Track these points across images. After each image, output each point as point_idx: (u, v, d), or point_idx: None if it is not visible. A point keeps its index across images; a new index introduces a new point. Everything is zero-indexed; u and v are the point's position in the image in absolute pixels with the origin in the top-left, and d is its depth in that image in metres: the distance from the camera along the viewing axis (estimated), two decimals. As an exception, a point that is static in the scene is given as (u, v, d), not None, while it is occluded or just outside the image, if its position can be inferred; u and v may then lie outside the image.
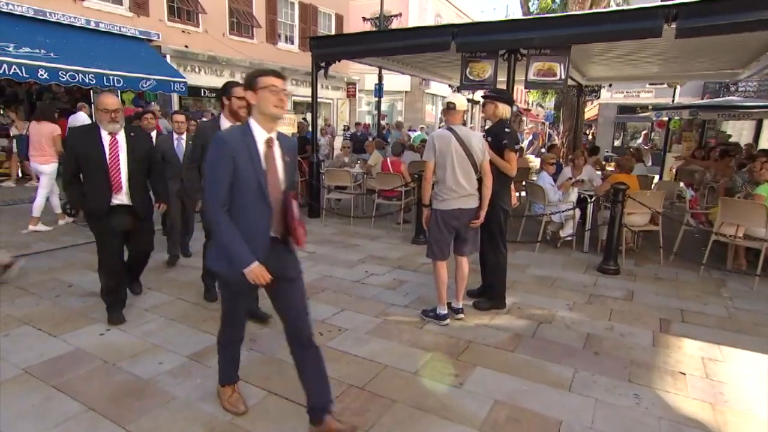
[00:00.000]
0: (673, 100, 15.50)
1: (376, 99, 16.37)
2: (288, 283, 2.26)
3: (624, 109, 21.38)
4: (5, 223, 6.35)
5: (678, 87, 15.40)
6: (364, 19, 18.34)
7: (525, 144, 17.43)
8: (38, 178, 6.47)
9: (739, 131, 15.72)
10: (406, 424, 2.48)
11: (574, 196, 6.08)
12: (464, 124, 3.73)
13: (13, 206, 7.56)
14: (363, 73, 18.90)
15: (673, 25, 4.83)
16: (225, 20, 14.16)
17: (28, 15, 9.60)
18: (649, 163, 12.77)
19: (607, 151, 16.56)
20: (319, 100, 9.22)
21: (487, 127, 4.17)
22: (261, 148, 2.11)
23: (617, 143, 21.64)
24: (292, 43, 16.70)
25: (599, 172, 7.39)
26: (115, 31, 11.12)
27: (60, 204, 6.48)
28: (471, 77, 6.31)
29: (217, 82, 14.24)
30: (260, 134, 2.12)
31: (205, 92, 14.10)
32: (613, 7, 12.09)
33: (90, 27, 10.64)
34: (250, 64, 14.58)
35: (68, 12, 10.32)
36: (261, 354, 3.17)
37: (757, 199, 4.99)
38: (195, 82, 13.29)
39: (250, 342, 3.29)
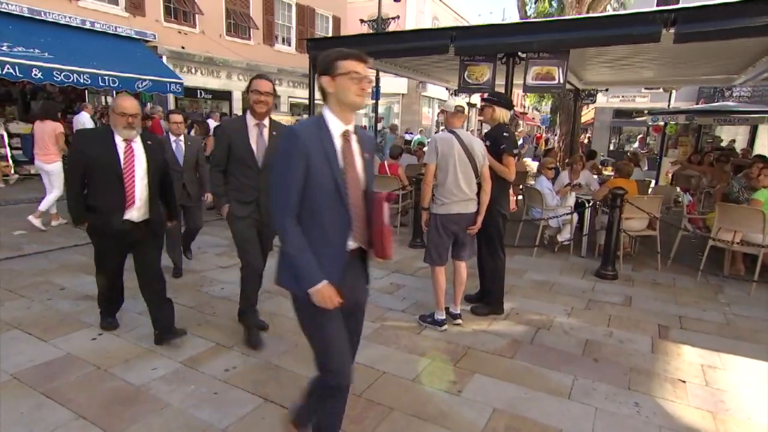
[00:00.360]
0: (668, 105, 15.59)
1: (373, 101, 16.35)
2: (353, 312, 1.97)
3: (620, 113, 21.51)
4: (-3, 225, 6.27)
5: (674, 92, 15.46)
6: (362, 21, 18.32)
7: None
8: (41, 178, 6.41)
9: (733, 136, 15.83)
10: (404, 432, 2.44)
11: (571, 200, 6.08)
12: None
13: (5, 207, 7.46)
14: (360, 76, 18.85)
15: (672, 30, 4.83)
16: (222, 21, 14.15)
17: (23, 15, 9.56)
18: (645, 168, 12.81)
19: (603, 155, 16.60)
20: (316, 102, 9.16)
21: (484, 131, 4.14)
22: (337, 142, 1.80)
23: (612, 147, 21.76)
24: (289, 44, 16.69)
25: (596, 177, 7.39)
26: (111, 32, 11.07)
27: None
28: (469, 80, 6.29)
29: (214, 83, 14.25)
30: (336, 127, 1.81)
31: (201, 93, 14.06)
32: (610, 12, 12.14)
33: (86, 27, 10.60)
34: (246, 65, 14.56)
35: (64, 12, 10.27)
36: (256, 360, 3.12)
37: (755, 205, 4.99)
38: (191, 83, 13.27)
39: (244, 347, 3.24)
